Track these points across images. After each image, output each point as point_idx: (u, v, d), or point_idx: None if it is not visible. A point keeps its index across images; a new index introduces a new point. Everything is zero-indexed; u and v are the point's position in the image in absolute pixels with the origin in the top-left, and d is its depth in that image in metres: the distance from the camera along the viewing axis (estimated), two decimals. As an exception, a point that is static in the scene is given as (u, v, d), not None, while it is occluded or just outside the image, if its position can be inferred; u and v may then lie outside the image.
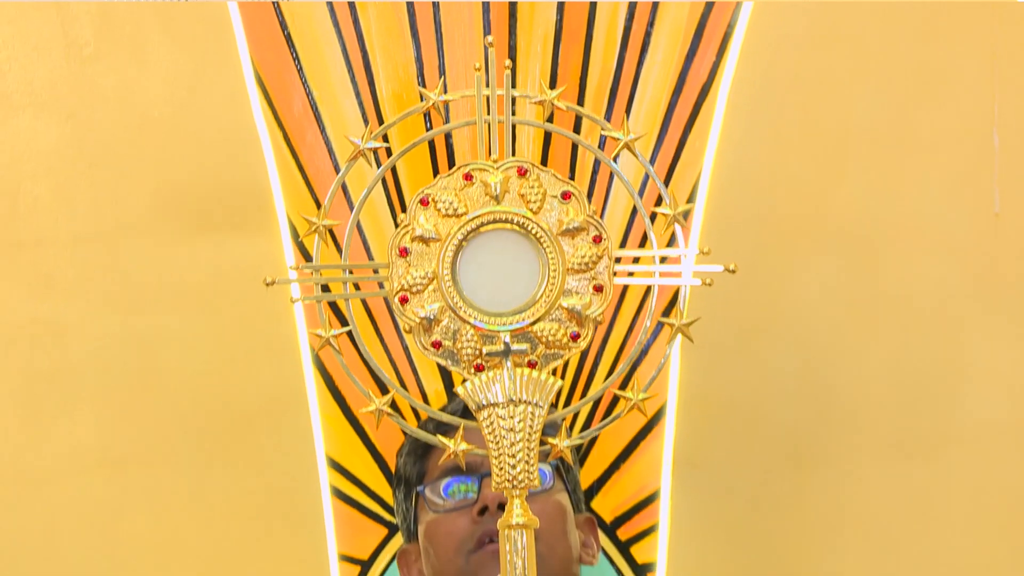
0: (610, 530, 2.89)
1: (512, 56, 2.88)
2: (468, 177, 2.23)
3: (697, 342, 2.61)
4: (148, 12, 2.91)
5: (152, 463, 2.88)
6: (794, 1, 3.00)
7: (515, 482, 2.20)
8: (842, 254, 2.96)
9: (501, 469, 2.20)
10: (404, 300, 2.23)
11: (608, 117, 2.88)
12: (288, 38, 2.84)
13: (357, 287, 2.33)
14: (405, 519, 2.69)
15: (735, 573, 2.97)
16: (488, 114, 2.26)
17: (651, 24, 2.87)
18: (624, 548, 2.89)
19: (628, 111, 2.83)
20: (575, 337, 2.24)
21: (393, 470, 2.80)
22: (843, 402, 2.95)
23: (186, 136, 2.90)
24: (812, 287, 2.96)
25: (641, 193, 2.56)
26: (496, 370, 2.21)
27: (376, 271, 2.30)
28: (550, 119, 2.32)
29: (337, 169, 2.86)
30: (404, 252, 2.24)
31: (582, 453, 2.92)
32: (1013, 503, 2.92)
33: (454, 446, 2.22)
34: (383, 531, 2.79)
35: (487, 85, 2.25)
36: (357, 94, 2.84)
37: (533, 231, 2.24)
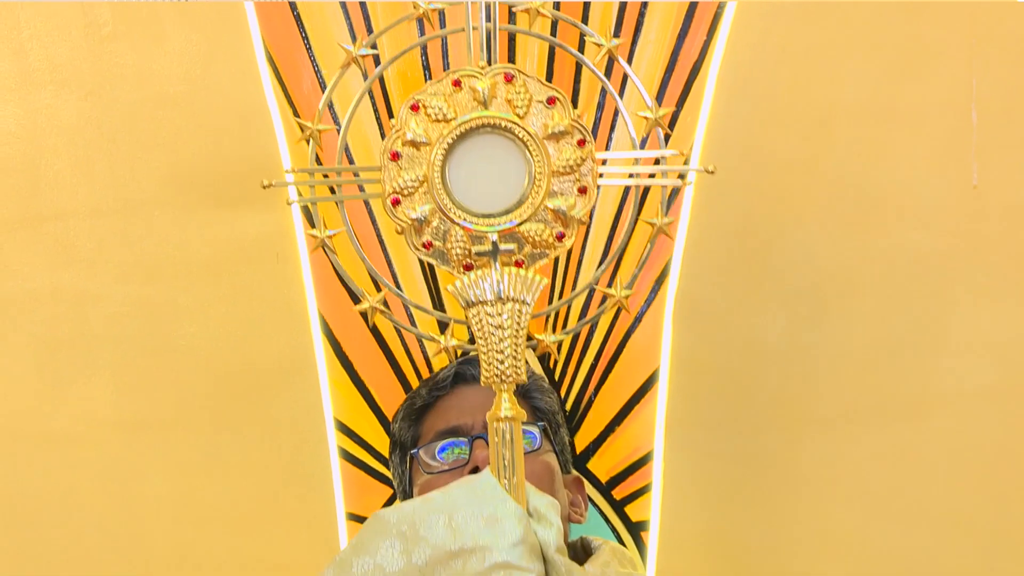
0: (605, 490, 2.91)
1: (511, 47, 2.86)
2: (457, 83, 2.26)
3: (687, 308, 2.78)
4: None
5: (167, 426, 2.90)
6: None
7: (503, 377, 2.25)
8: (827, 224, 2.95)
9: (489, 364, 2.24)
10: (396, 202, 2.26)
11: (604, 91, 2.86)
12: (298, 18, 2.86)
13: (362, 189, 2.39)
14: (401, 481, 2.72)
15: (725, 531, 2.97)
16: (478, 22, 2.29)
17: (644, 4, 2.88)
18: (619, 507, 2.92)
19: (622, 88, 2.82)
20: (560, 237, 2.29)
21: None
22: (828, 366, 2.95)
23: (200, 113, 2.91)
24: (798, 255, 2.96)
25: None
26: (484, 269, 2.26)
27: (357, 175, 2.36)
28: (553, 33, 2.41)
29: (346, 145, 2.81)
30: (395, 156, 2.27)
31: (577, 417, 2.93)
32: (991, 463, 2.92)
33: (444, 342, 2.27)
34: (388, 491, 2.83)
35: None
36: (363, 72, 2.76)
37: (519, 135, 2.29)
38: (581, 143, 2.29)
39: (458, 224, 2.29)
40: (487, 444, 2.49)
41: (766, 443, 2.97)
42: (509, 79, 2.29)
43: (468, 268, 2.30)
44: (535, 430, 2.57)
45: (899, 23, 2.93)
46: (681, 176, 2.42)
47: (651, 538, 2.94)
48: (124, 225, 2.90)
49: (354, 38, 2.83)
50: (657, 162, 2.42)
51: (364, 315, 2.31)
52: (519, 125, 2.27)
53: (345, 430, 2.86)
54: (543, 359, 2.89)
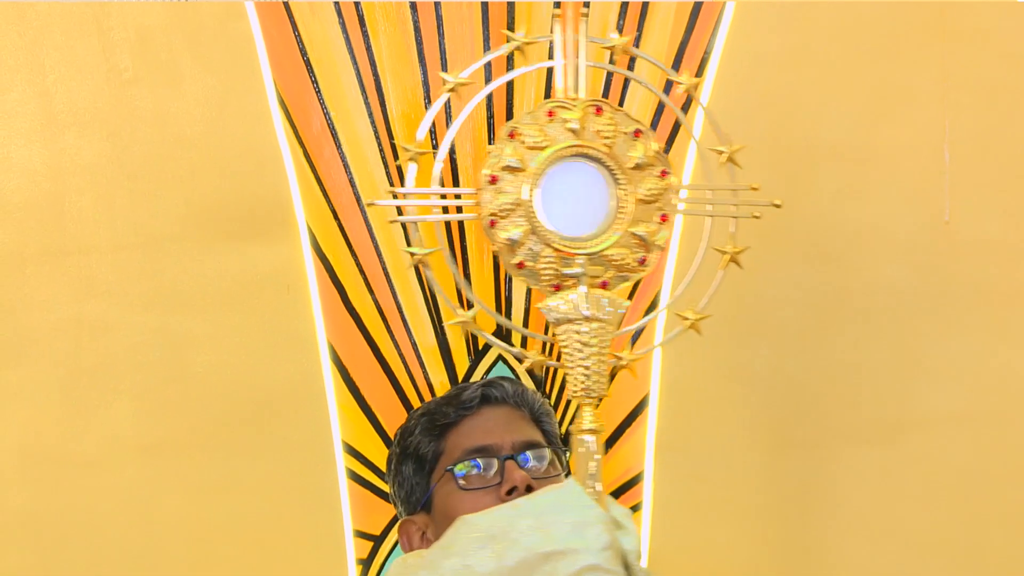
0: None
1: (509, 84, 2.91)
2: (551, 114, 2.36)
3: (677, 337, 2.72)
4: (181, 40, 2.89)
5: (184, 449, 2.90)
6: (767, 27, 3.00)
7: (587, 392, 2.32)
8: (808, 257, 3.01)
9: (575, 380, 2.32)
10: (493, 224, 2.34)
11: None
12: (307, 64, 2.91)
13: (447, 211, 2.40)
14: (412, 493, 2.70)
15: (712, 548, 2.99)
16: (567, 56, 2.38)
17: (635, 46, 2.84)
18: None
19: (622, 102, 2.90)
20: (642, 261, 2.39)
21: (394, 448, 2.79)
22: (810, 393, 3.00)
23: (215, 153, 2.92)
24: (781, 287, 3.00)
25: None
26: (572, 290, 2.34)
27: (459, 196, 2.39)
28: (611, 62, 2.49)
29: (352, 183, 2.91)
30: (494, 180, 2.35)
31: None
32: (962, 483, 3.00)
33: (535, 357, 2.34)
34: (394, 510, 2.82)
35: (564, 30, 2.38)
36: (370, 114, 2.92)
37: (608, 164, 2.37)
38: (663, 174, 2.39)
39: (550, 246, 2.35)
40: (518, 465, 2.58)
41: (750, 465, 3.02)
42: (599, 111, 2.38)
43: (557, 288, 2.36)
44: (549, 454, 2.62)
45: (875, 68, 2.99)
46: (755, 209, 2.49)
47: (642, 552, 2.92)
48: (143, 258, 2.91)
49: (361, 82, 2.89)
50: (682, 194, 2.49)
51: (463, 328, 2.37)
52: (608, 155, 2.35)
53: (352, 452, 2.90)
54: (539, 384, 2.92)
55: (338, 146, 2.90)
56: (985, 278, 3.01)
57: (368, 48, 2.91)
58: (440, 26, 2.90)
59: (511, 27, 2.88)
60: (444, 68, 2.86)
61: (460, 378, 2.92)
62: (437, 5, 2.90)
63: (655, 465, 2.96)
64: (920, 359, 3.00)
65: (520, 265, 2.36)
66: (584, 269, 2.36)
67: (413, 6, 2.89)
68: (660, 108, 2.95)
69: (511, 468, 2.56)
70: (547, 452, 2.61)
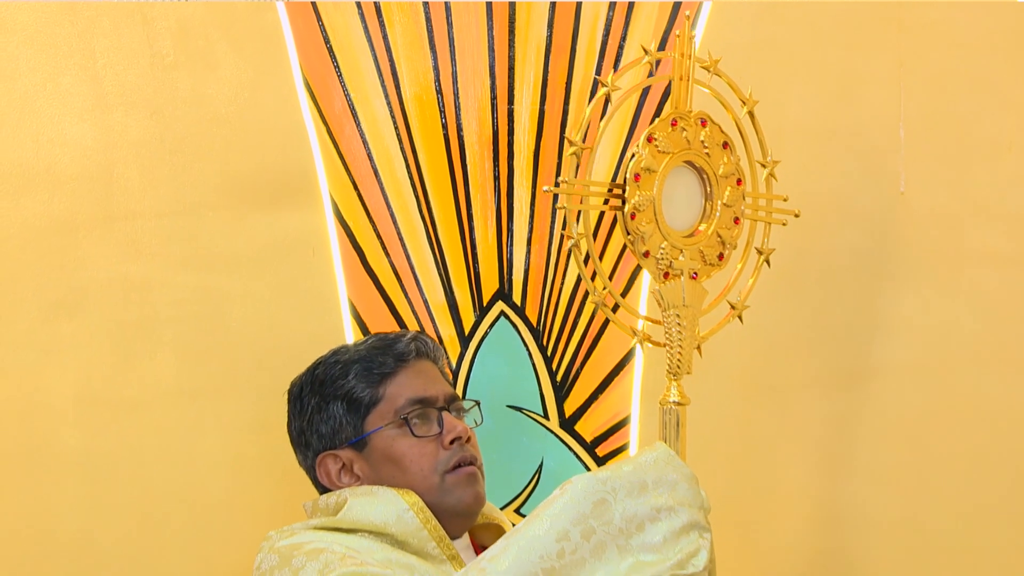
0: (590, 448, 3.05)
1: (511, 60, 3.00)
2: (674, 123, 2.50)
3: (658, 296, 2.68)
4: (217, 30, 2.95)
5: (220, 394, 2.97)
6: (740, 20, 3.08)
7: (678, 369, 2.45)
8: (776, 225, 2.91)
9: (672, 357, 2.48)
10: (633, 216, 2.44)
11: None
12: (330, 50, 2.99)
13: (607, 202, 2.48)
14: (339, 430, 2.65)
15: None
16: (681, 72, 2.51)
17: (623, 38, 3.03)
18: (601, 463, 3.06)
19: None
20: (720, 257, 2.51)
21: (314, 383, 2.71)
22: (780, 344, 3.08)
23: (247, 130, 2.99)
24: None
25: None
26: (677, 279, 2.49)
27: (617, 190, 2.46)
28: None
29: (370, 157, 2.98)
30: (637, 177, 2.43)
31: (567, 386, 3.04)
32: (913, 423, 3.07)
33: (641, 335, 2.49)
34: None
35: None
36: (385, 95, 3.00)
37: (706, 171, 2.48)
38: (739, 183, 2.52)
39: (669, 240, 2.48)
40: (451, 415, 2.62)
41: (728, 410, 3.10)
42: (704, 124, 2.49)
43: (666, 276, 2.50)
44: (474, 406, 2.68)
45: (837, 56, 3.07)
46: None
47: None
48: (183, 224, 2.97)
49: (378, 67, 2.97)
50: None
51: (596, 305, 2.47)
52: (709, 164, 2.48)
53: (369, 398, 2.90)
54: (537, 335, 3.02)
55: (357, 124, 2.99)
56: (935, 243, 3.07)
57: (384, 37, 3.00)
58: (449, 18, 2.99)
59: (512, 21, 2.97)
60: (452, 56, 2.95)
61: (467, 331, 3.01)
62: (447, 4, 2.97)
63: (640, 410, 3.05)
64: (877, 315, 3.06)
65: (647, 254, 2.47)
66: (686, 261, 2.49)
67: (425, 4, 2.97)
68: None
69: (449, 419, 2.61)
70: (463, 404, 2.66)
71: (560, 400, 3.07)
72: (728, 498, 3.01)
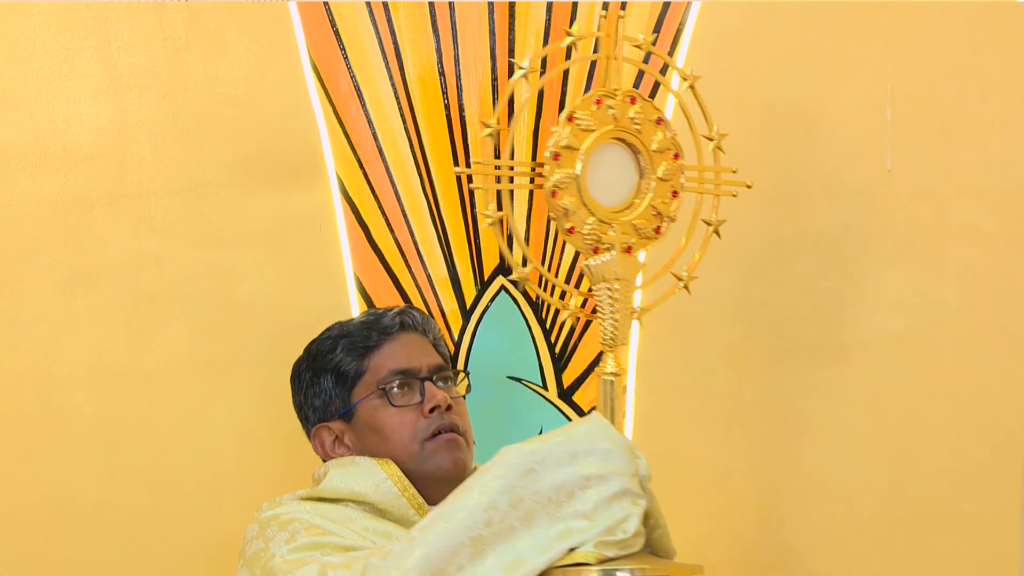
0: None
1: (511, 44, 3.01)
2: (599, 101, 2.47)
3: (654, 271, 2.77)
4: (227, 13, 2.98)
5: (230, 366, 3.00)
6: (733, 4, 3.07)
7: (614, 340, 2.42)
8: (769, 201, 3.04)
9: (605, 330, 2.44)
10: (554, 194, 2.42)
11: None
12: (336, 34, 3.02)
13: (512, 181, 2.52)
14: (329, 403, 2.71)
15: (685, 450, 3.08)
16: (609, 51, 2.47)
17: (623, 7, 2.89)
18: None
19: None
20: (657, 230, 2.49)
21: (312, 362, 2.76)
22: (771, 318, 3.08)
23: (256, 110, 3.00)
24: (746, 227, 3.01)
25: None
26: (608, 253, 2.45)
27: (534, 169, 2.47)
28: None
29: (375, 136, 3.00)
30: (557, 156, 2.45)
31: (565, 357, 3.06)
32: (899, 394, 3.08)
33: (574, 309, 2.47)
34: None
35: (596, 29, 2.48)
36: (390, 77, 3.03)
37: (637, 147, 2.49)
38: (676, 157, 2.50)
39: (595, 215, 2.45)
40: (435, 385, 2.67)
41: (720, 381, 3.11)
42: (633, 101, 2.48)
43: (595, 251, 2.47)
44: (451, 375, 2.72)
45: (826, 38, 3.09)
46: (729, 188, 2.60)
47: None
48: (195, 202, 2.99)
49: (383, 49, 2.99)
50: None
51: (515, 283, 2.49)
52: (638, 139, 2.47)
53: (374, 370, 2.89)
54: (536, 308, 3.04)
55: (363, 105, 3.02)
56: (921, 220, 3.08)
57: (389, 21, 3.02)
58: (451, 2, 3.02)
59: (512, 6, 2.98)
60: (455, 39, 2.97)
61: (468, 305, 3.03)
62: (449, -12, 2.94)
63: (637, 379, 3.07)
64: (864, 289, 3.07)
65: (571, 230, 2.45)
66: (616, 235, 2.46)
67: (428, -12, 2.94)
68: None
69: (431, 388, 2.65)
70: (451, 374, 2.70)
71: (558, 371, 3.10)
72: (719, 467, 3.09)
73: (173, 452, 3.00)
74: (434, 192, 3.05)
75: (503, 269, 3.07)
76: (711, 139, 2.57)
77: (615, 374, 2.44)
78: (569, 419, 3.08)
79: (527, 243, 3.04)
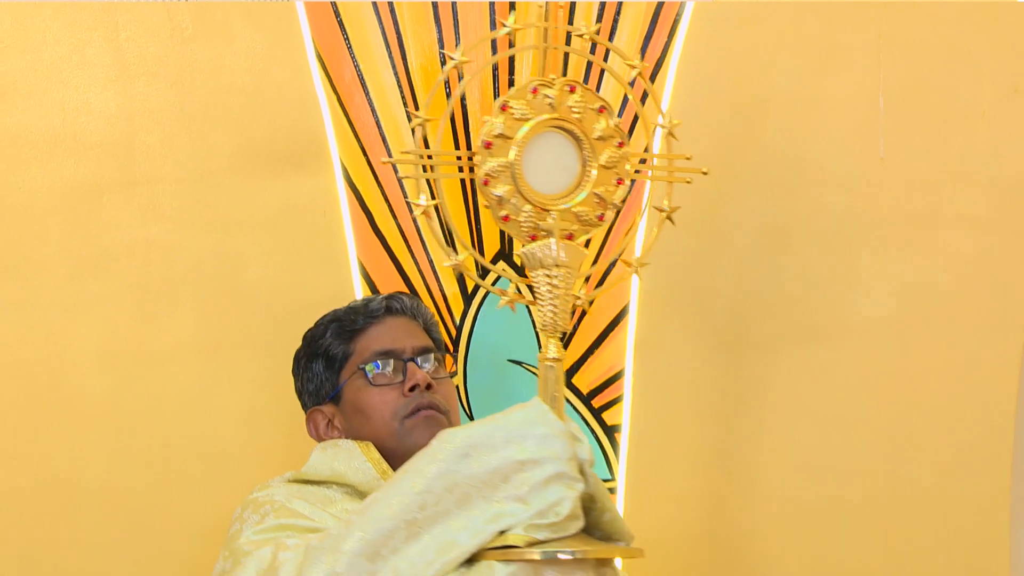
0: (586, 400, 3.10)
1: (511, 34, 2.92)
2: (535, 91, 2.46)
3: (652, 255, 2.75)
4: (233, 4, 3.00)
5: (236, 349, 3.02)
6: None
7: (554, 326, 2.41)
8: (763, 188, 3.09)
9: (543, 316, 2.43)
10: (486, 183, 2.42)
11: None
12: (340, 23, 3.04)
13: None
14: (321, 387, 2.78)
15: (682, 431, 3.11)
16: (546, 41, 2.46)
17: (617, 12, 3.06)
18: (597, 414, 3.12)
19: (599, 84, 3.00)
20: (601, 217, 2.48)
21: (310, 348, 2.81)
22: (765, 302, 3.09)
23: (262, 99, 3.02)
24: (740, 213, 3.09)
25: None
26: (546, 240, 2.44)
27: (461, 159, 2.46)
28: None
29: (378, 124, 3.02)
30: (488, 145, 2.45)
31: (564, 341, 2.86)
32: (890, 377, 3.10)
33: (511, 295, 2.46)
34: None
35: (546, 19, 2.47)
36: (393, 66, 3.05)
37: (577, 135, 2.47)
38: (620, 145, 2.48)
39: (530, 202, 2.45)
40: (417, 366, 2.70)
41: (717, 364, 3.12)
42: (572, 89, 2.47)
43: (533, 238, 2.46)
44: (438, 358, 2.75)
45: (820, 28, 3.10)
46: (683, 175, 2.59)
47: (623, 438, 3.10)
48: (202, 188, 3.01)
49: (386, 39, 3.01)
50: (643, 161, 2.62)
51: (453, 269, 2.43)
52: (578, 127, 2.45)
53: (375, 347, 2.89)
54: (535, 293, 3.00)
55: (366, 93, 3.03)
56: (912, 206, 3.10)
57: (392, 10, 3.04)
58: None
59: (512, 4, 2.98)
60: (456, 29, 2.99)
61: (470, 290, 3.05)
62: (451, -20, 2.94)
63: (634, 362, 3.09)
64: (856, 274, 3.09)
65: (505, 218, 2.43)
66: (556, 222, 2.45)
67: (430, -21, 2.94)
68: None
69: (412, 368, 2.69)
70: (438, 356, 2.74)
71: None
72: (714, 446, 3.11)
73: (179, 433, 3.02)
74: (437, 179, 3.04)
75: (503, 254, 3.09)
76: (664, 127, 2.55)
77: (556, 359, 2.42)
78: (568, 401, 3.10)
79: (477, 232, 3.06)
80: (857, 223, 3.09)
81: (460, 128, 3.02)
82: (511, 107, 2.45)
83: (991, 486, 3.09)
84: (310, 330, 2.81)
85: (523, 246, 2.44)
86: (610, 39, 3.05)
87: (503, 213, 2.44)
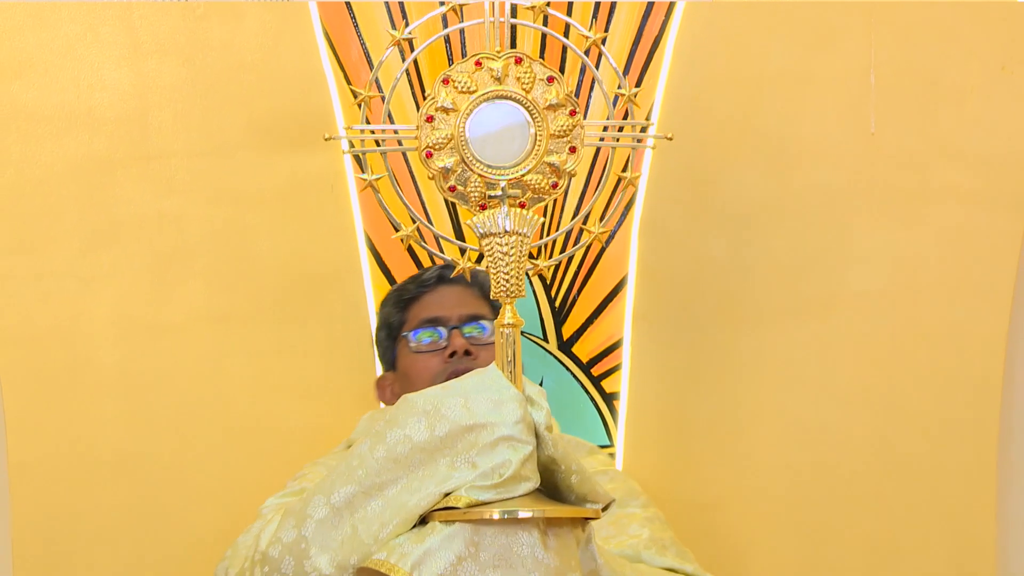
0: (586, 368, 3.14)
1: (513, 13, 2.85)
2: (478, 64, 2.47)
3: (650, 230, 2.92)
4: None
5: (246, 319, 3.05)
6: None
7: (508, 293, 2.43)
8: (758, 165, 3.10)
9: (497, 283, 2.44)
10: (429, 155, 2.45)
11: (579, 83, 3.06)
12: (348, 3, 3.07)
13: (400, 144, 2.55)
14: (386, 354, 2.91)
15: (679, 401, 3.13)
16: (493, 15, 2.47)
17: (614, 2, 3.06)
18: (596, 382, 3.17)
19: (597, 67, 2.98)
20: (554, 185, 2.51)
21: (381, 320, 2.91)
22: (760, 275, 3.09)
23: (272, 76, 3.06)
24: (737, 188, 3.11)
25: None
26: (495, 209, 2.45)
27: (397, 132, 2.52)
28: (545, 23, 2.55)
29: (384, 101, 2.87)
30: (430, 119, 2.47)
31: (564, 311, 3.11)
32: (883, 347, 3.08)
33: (463, 263, 2.47)
34: None
35: None
36: (401, 53, 2.85)
37: (525, 105, 2.48)
38: (572, 113, 2.48)
39: (476, 173, 2.46)
40: (462, 333, 2.78)
41: (712, 334, 3.13)
42: (519, 61, 2.47)
43: (483, 207, 2.47)
44: (490, 324, 2.80)
45: (812, 8, 3.08)
46: (639, 140, 2.64)
47: (621, 405, 3.13)
48: (213, 163, 3.04)
49: (392, 20, 3.04)
50: (621, 129, 2.64)
51: (402, 240, 2.47)
52: (525, 98, 2.46)
53: (383, 323, 2.91)
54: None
55: (373, 70, 2.90)
56: (903, 181, 3.09)
57: None
58: None
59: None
60: (461, 9, 2.77)
61: (473, 261, 2.87)
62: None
63: (632, 333, 3.11)
64: (849, 247, 3.08)
65: (452, 189, 2.45)
66: (505, 191, 2.44)
67: (433, -40, 2.91)
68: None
69: (455, 335, 2.77)
70: (489, 323, 2.80)
71: (558, 324, 3.16)
72: (706, 415, 3.13)
73: (191, 402, 3.05)
74: (440, 153, 3.08)
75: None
76: (622, 95, 2.54)
77: (512, 325, 2.42)
78: (568, 370, 3.14)
79: (423, 204, 3.06)
80: (849, 198, 3.09)
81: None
82: (453, 80, 2.46)
83: (979, 454, 3.09)
84: (382, 301, 2.91)
85: (473, 216, 2.45)
86: (607, 23, 3.07)
87: (449, 184, 2.46)
